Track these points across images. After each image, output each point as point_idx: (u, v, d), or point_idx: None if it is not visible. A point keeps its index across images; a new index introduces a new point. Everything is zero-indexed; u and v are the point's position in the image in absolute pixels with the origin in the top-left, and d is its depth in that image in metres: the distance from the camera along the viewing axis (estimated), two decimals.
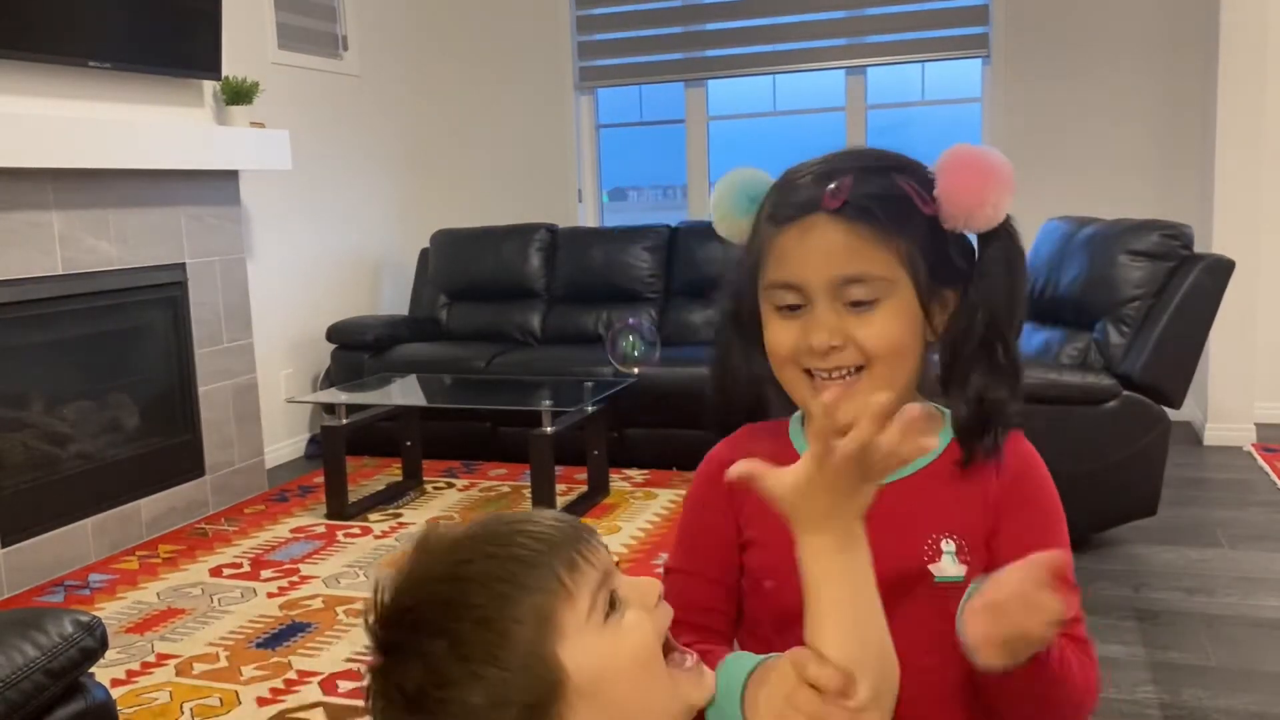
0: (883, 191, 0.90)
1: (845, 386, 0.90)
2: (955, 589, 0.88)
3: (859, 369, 0.90)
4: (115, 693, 2.38)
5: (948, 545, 0.92)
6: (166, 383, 3.82)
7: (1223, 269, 3.11)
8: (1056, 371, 3.12)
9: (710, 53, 5.28)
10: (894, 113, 5.24)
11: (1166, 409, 3.13)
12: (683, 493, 3.89)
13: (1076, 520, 3.54)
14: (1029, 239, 4.22)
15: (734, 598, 1.01)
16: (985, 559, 0.93)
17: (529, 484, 3.63)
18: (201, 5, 3.79)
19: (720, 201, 1.01)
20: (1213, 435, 4.34)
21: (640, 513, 3.68)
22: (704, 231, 4.87)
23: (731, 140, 5.52)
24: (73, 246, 3.36)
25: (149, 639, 2.78)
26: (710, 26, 5.26)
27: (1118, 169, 4.70)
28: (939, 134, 5.34)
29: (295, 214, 4.67)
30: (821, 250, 0.89)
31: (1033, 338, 3.51)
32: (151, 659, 2.65)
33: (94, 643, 1.60)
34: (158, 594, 3.12)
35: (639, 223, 5.03)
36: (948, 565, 0.92)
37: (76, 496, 3.42)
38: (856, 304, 0.89)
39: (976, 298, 0.93)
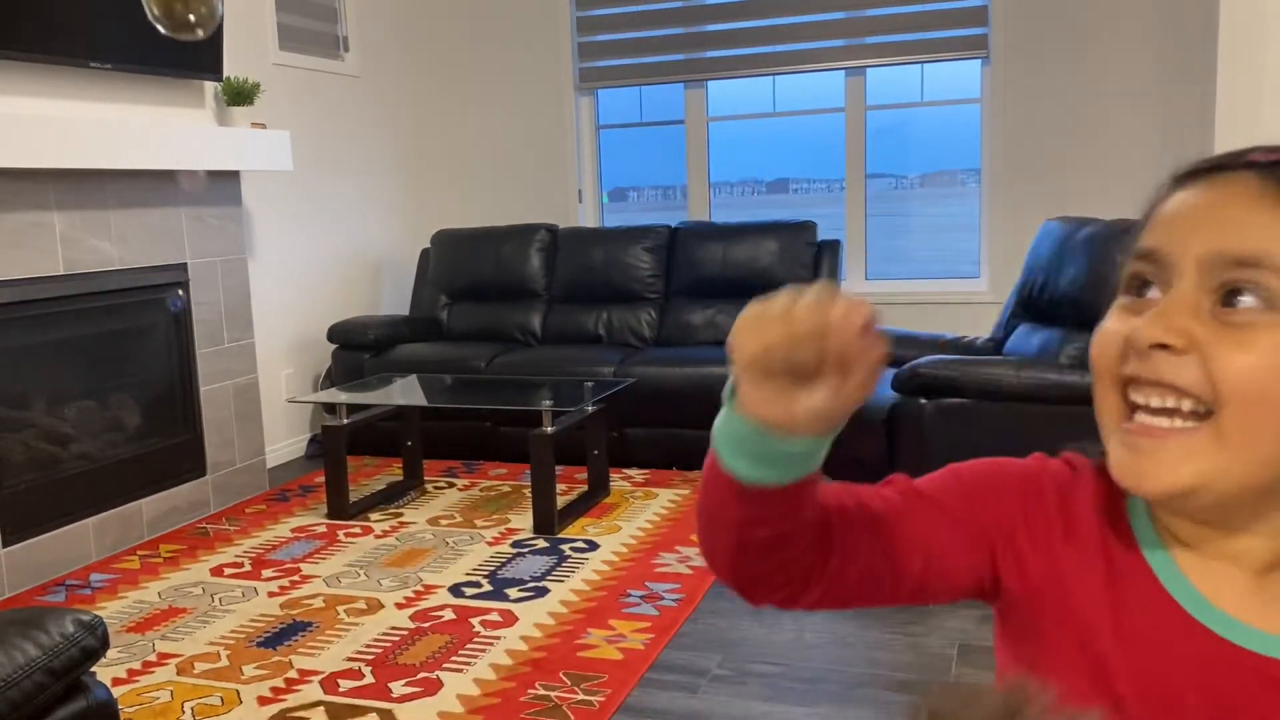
0: None
1: (1172, 437, 0.60)
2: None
3: (1198, 415, 0.60)
4: (116, 692, 2.38)
5: None
6: (168, 383, 3.82)
7: None
8: (1056, 371, 3.12)
9: (710, 54, 5.28)
10: (894, 113, 5.25)
11: None
12: (684, 492, 3.92)
13: None
14: (1028, 239, 4.26)
15: (911, 558, 0.73)
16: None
17: (529, 484, 3.64)
18: None
19: None
20: None
21: (640, 512, 3.68)
22: (704, 232, 4.88)
23: (731, 141, 5.53)
24: (74, 247, 3.36)
25: (150, 638, 2.79)
26: (710, 27, 5.27)
27: (1117, 169, 4.71)
28: (938, 135, 5.35)
29: (296, 214, 4.67)
30: (1215, 212, 0.61)
31: (1032, 338, 3.51)
32: (153, 658, 2.66)
33: (95, 642, 1.61)
34: (159, 593, 3.13)
35: (639, 223, 5.04)
36: None
37: (78, 496, 3.42)
38: (1235, 301, 0.59)
39: None
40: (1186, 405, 0.59)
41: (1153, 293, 0.62)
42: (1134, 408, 0.62)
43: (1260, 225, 0.59)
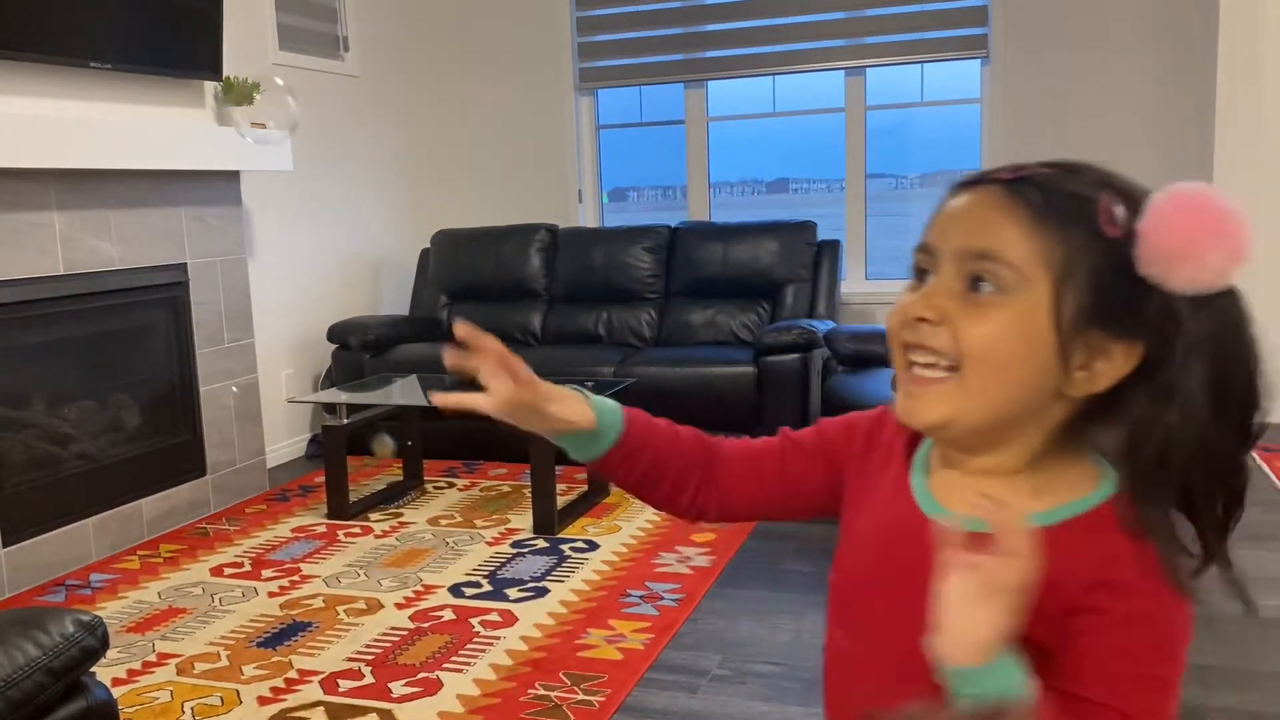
0: (1070, 188, 0.79)
1: (930, 385, 0.79)
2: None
3: (951, 370, 0.78)
4: (116, 692, 2.38)
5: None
6: (167, 383, 3.82)
7: None
8: None
9: (710, 54, 5.28)
10: (893, 113, 5.25)
11: None
12: None
13: None
14: None
15: (780, 481, 1.00)
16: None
17: (529, 484, 3.64)
18: (202, 6, 3.79)
19: None
20: None
21: (640, 512, 3.68)
22: (704, 232, 4.88)
23: (731, 141, 5.53)
24: (74, 247, 3.36)
25: (150, 638, 2.79)
26: (710, 27, 5.27)
27: (1117, 169, 4.70)
28: (938, 135, 5.35)
29: (296, 214, 4.67)
30: (965, 216, 0.79)
31: None
32: (153, 658, 2.66)
33: (95, 642, 1.61)
34: (159, 593, 3.13)
35: (639, 223, 5.04)
36: None
37: (78, 496, 3.42)
38: (978, 289, 0.77)
39: (1162, 384, 0.75)
40: (943, 362, 0.78)
41: (930, 279, 0.80)
42: (911, 365, 0.81)
43: (996, 227, 0.77)
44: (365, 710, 2.35)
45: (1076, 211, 0.77)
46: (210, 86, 4.03)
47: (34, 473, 3.31)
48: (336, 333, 4.70)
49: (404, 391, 4.16)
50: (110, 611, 2.98)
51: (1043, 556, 0.70)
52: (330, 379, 4.75)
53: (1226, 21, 4.19)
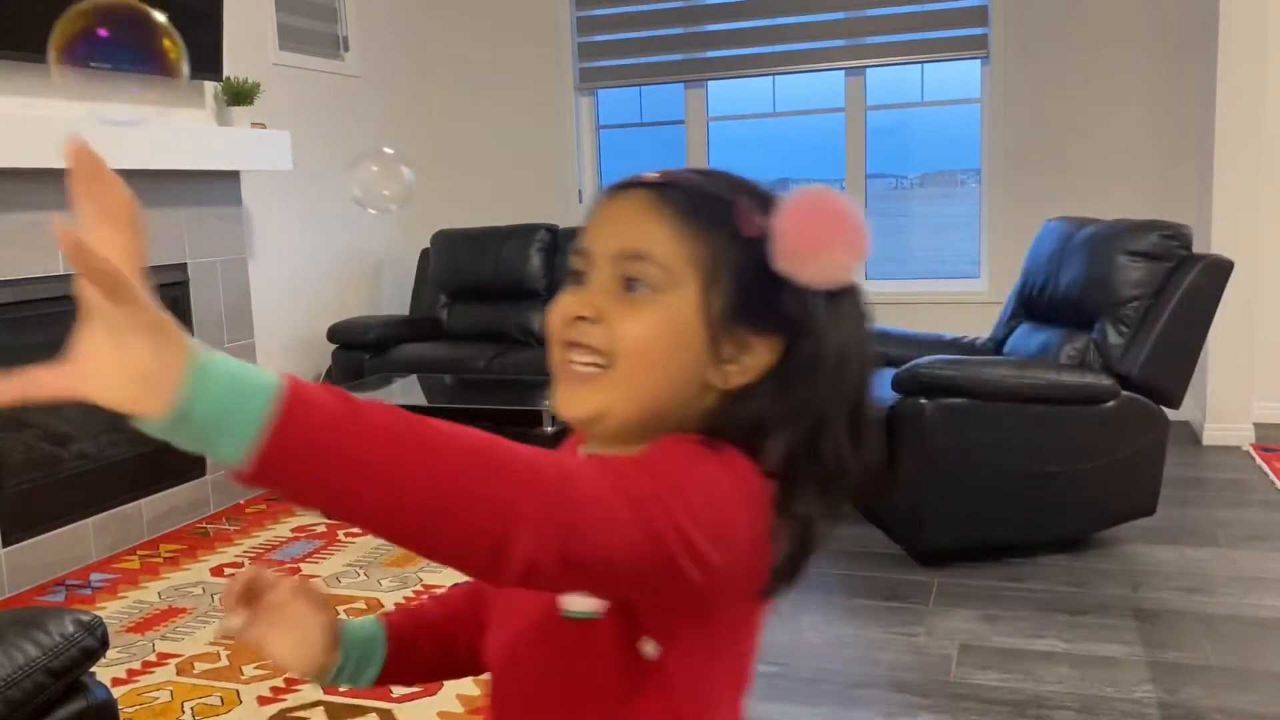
0: (711, 190, 0.83)
1: (585, 380, 0.80)
2: (580, 626, 0.78)
3: (608, 365, 0.80)
4: (116, 692, 2.38)
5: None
6: None
7: (1221, 269, 3.12)
8: (1055, 371, 3.13)
9: (710, 54, 5.28)
10: (893, 113, 5.25)
11: (1165, 409, 3.14)
12: None
13: (1076, 520, 3.55)
14: (1028, 238, 4.25)
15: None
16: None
17: None
18: (202, 6, 3.79)
19: None
20: (1211, 435, 4.34)
21: None
22: None
23: (731, 141, 5.53)
24: None
25: (150, 638, 2.79)
26: (710, 28, 5.27)
27: (1117, 169, 4.71)
28: (938, 135, 5.35)
29: (296, 214, 4.67)
30: (617, 219, 0.82)
31: (1032, 338, 3.51)
32: (153, 658, 2.66)
33: (95, 642, 1.61)
34: (159, 593, 3.13)
35: None
36: (582, 599, 0.78)
37: (78, 496, 3.42)
38: (632, 288, 0.80)
39: (797, 364, 0.80)
40: (600, 361, 0.80)
41: (588, 280, 0.82)
42: (568, 361, 0.82)
43: (646, 229, 0.80)
44: (365, 710, 2.35)
45: (719, 214, 0.80)
46: (210, 86, 4.04)
47: (34, 473, 3.31)
48: (336, 333, 4.70)
49: (404, 391, 4.16)
50: (110, 611, 2.98)
51: None
52: (330, 379, 4.75)
53: (1227, 21, 4.19)
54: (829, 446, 0.82)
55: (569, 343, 0.82)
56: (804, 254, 0.79)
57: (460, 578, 0.73)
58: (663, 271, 0.79)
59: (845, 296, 0.82)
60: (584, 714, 0.80)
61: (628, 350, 0.79)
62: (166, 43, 0.84)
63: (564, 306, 0.82)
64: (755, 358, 0.80)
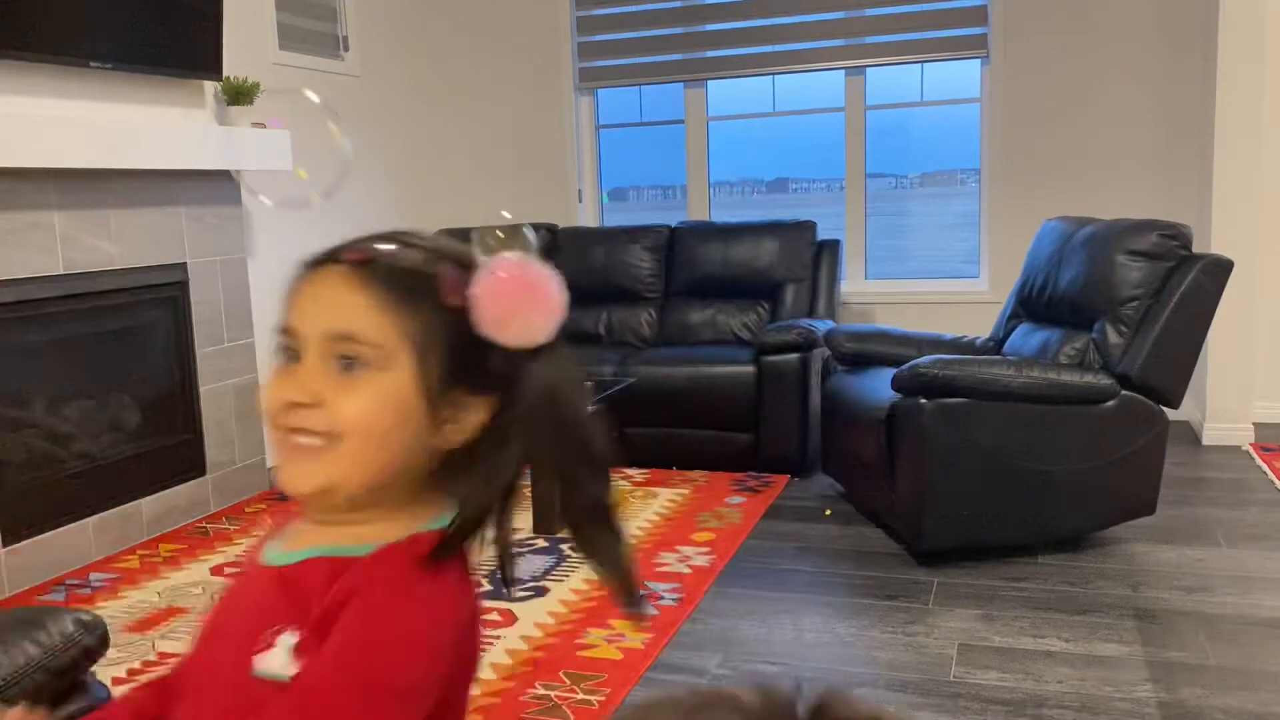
0: (411, 265, 0.85)
1: (310, 455, 0.84)
2: (270, 688, 0.80)
3: (332, 441, 0.83)
4: (116, 692, 2.38)
5: (290, 638, 0.82)
6: (168, 382, 3.82)
7: (1221, 269, 3.12)
8: (1055, 371, 3.13)
9: (710, 53, 5.28)
10: (893, 113, 5.25)
11: (1165, 409, 3.14)
12: (684, 492, 3.92)
13: (1076, 520, 3.55)
14: (1028, 238, 4.26)
15: None
16: None
17: (529, 483, 3.63)
18: (202, 6, 3.79)
19: None
20: (1211, 435, 4.34)
21: (640, 512, 3.69)
22: (704, 232, 4.88)
23: (731, 141, 5.53)
24: (74, 246, 3.36)
25: (150, 638, 2.79)
26: (710, 27, 5.27)
27: (1116, 169, 4.71)
28: (938, 135, 5.35)
29: (296, 214, 4.67)
30: (323, 299, 0.85)
31: (1032, 338, 3.51)
32: (153, 658, 2.66)
33: (95, 642, 1.61)
34: (159, 593, 3.13)
35: (639, 223, 5.03)
36: (276, 660, 0.81)
37: (78, 496, 3.42)
38: (347, 368, 0.83)
39: (508, 422, 0.86)
40: (322, 441, 0.83)
41: (298, 359, 0.85)
42: (289, 434, 0.84)
43: (353, 309, 0.83)
44: None
45: (421, 287, 0.84)
46: (210, 86, 4.04)
47: (34, 472, 3.31)
48: None
49: None
50: (110, 611, 2.98)
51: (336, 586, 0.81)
52: None
53: (1227, 20, 4.19)
54: (565, 479, 0.88)
55: (290, 428, 0.84)
56: (503, 320, 0.83)
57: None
58: (375, 350, 0.82)
59: (549, 350, 0.85)
60: None
61: (351, 430, 0.82)
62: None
63: (279, 392, 0.84)
64: (473, 415, 0.86)
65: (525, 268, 0.85)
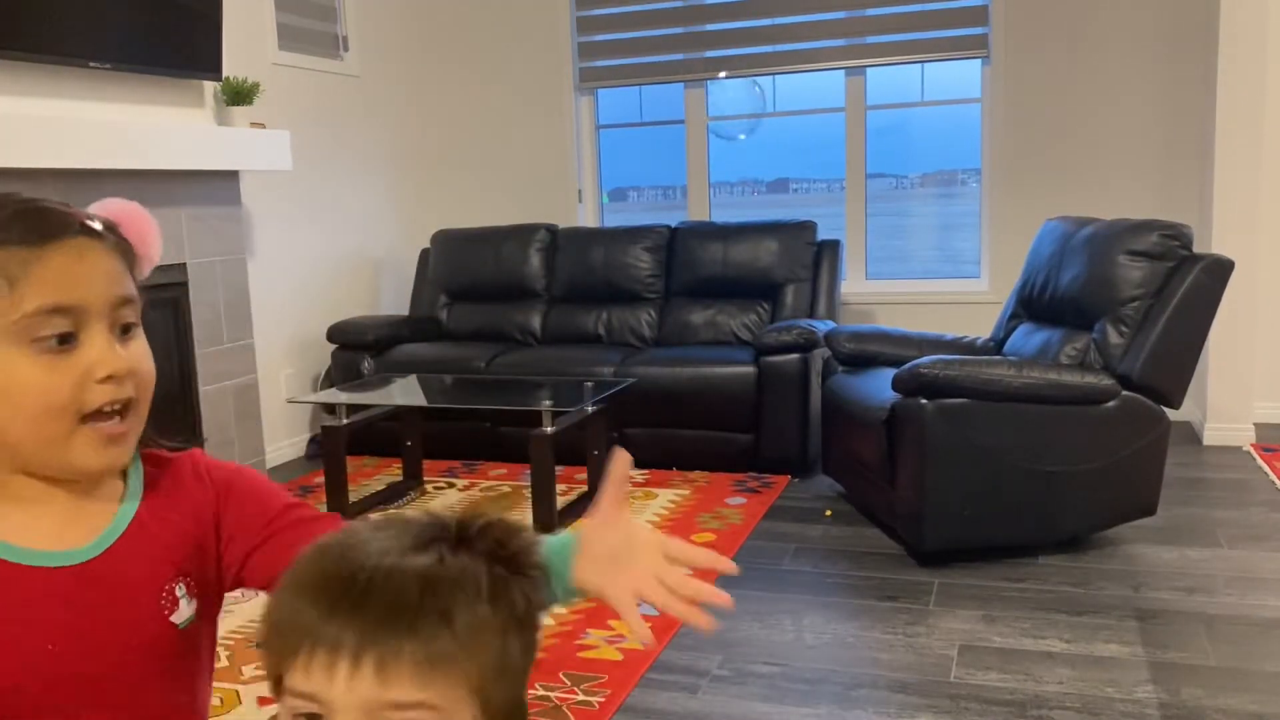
0: (114, 223, 0.92)
1: (127, 428, 0.87)
2: (195, 626, 0.92)
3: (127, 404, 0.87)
4: None
5: (180, 590, 0.91)
6: (167, 383, 3.82)
7: (1222, 269, 3.12)
8: (1055, 371, 3.12)
9: (710, 53, 5.28)
10: (894, 113, 5.25)
11: (1166, 409, 3.14)
12: (684, 492, 3.92)
13: (1076, 520, 3.55)
14: (1028, 238, 4.26)
15: None
16: (218, 571, 0.96)
17: (529, 484, 3.63)
18: (202, 6, 3.79)
19: None
20: (1212, 435, 4.34)
21: (640, 513, 3.68)
22: (704, 232, 4.88)
23: (731, 141, 5.53)
24: None
25: None
26: (710, 27, 5.26)
27: (1117, 169, 4.71)
28: (938, 135, 5.35)
29: (295, 214, 4.67)
30: (101, 271, 0.85)
31: (1032, 338, 3.51)
32: None
33: None
34: None
35: (639, 223, 5.03)
36: (185, 609, 0.91)
37: None
38: (125, 331, 0.87)
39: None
40: (126, 401, 0.87)
41: (70, 339, 0.82)
42: (94, 418, 0.84)
43: (122, 273, 0.87)
44: None
45: (127, 243, 0.94)
46: (210, 86, 4.03)
47: None
48: (336, 333, 4.70)
49: (404, 391, 4.16)
50: None
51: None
52: (330, 379, 4.75)
53: (1227, 20, 4.19)
54: None
55: (104, 405, 0.86)
56: (153, 258, 0.97)
57: None
58: (137, 304, 0.90)
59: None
60: (192, 695, 0.94)
61: (149, 384, 0.91)
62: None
63: (89, 374, 0.84)
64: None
65: (137, 206, 0.97)
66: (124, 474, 0.93)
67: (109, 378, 0.84)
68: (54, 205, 0.85)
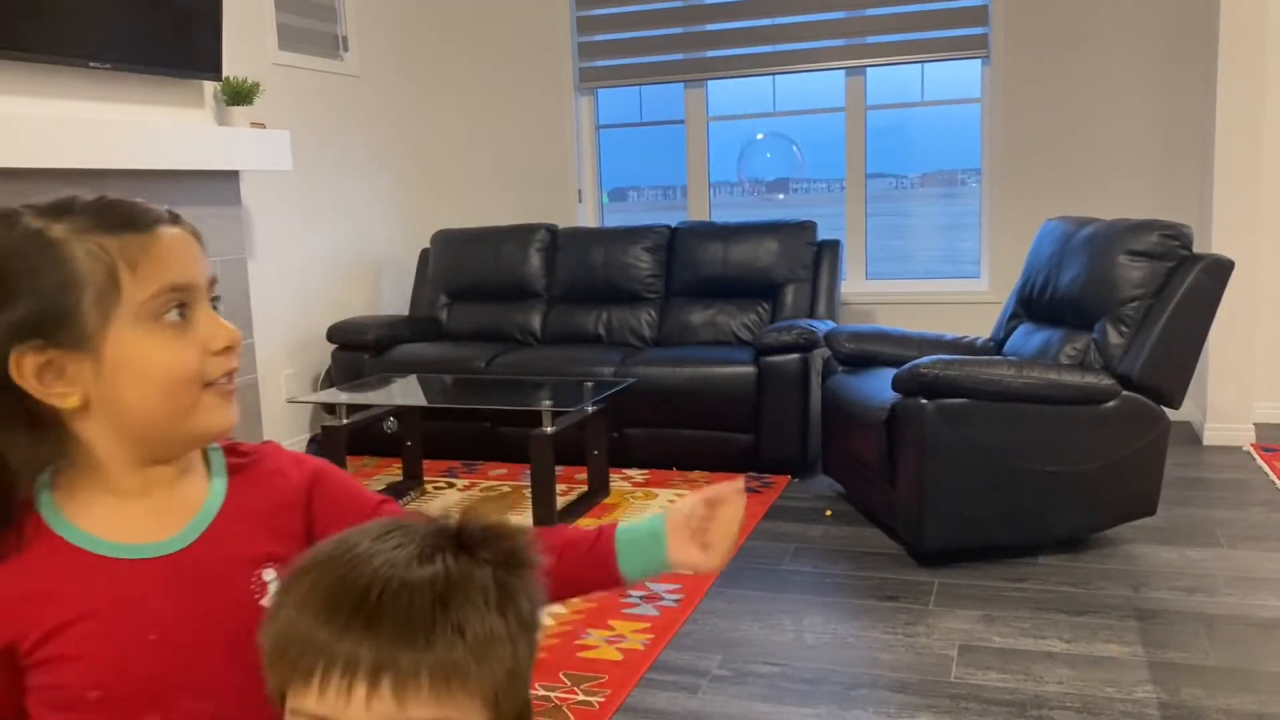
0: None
1: (235, 388, 0.93)
2: None
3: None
4: None
5: (269, 574, 0.93)
6: None
7: (1222, 269, 3.12)
8: (1055, 371, 3.12)
9: (710, 53, 5.28)
10: (894, 113, 5.25)
11: (1166, 409, 3.14)
12: (684, 492, 3.91)
13: (1076, 520, 3.55)
14: (1028, 238, 4.26)
15: None
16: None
17: (529, 484, 3.64)
18: (202, 6, 3.79)
19: None
20: (1212, 435, 4.34)
21: (640, 513, 3.68)
22: (704, 232, 4.88)
23: (732, 141, 5.53)
24: None
25: None
26: (710, 27, 5.26)
27: (1117, 169, 4.71)
28: (938, 135, 5.35)
29: (295, 214, 4.67)
30: (195, 252, 0.92)
31: (1032, 338, 3.51)
32: None
33: None
34: None
35: (639, 223, 5.03)
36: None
37: None
38: (213, 306, 0.93)
39: None
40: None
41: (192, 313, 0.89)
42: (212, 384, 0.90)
43: (203, 254, 0.93)
44: None
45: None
46: (210, 86, 4.04)
47: None
48: (336, 333, 4.70)
49: (404, 391, 4.16)
50: None
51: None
52: (330, 379, 4.75)
53: (1227, 20, 4.19)
54: None
55: (224, 372, 0.91)
56: None
57: None
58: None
59: None
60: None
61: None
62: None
63: (209, 346, 0.90)
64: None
65: None
66: (206, 464, 0.96)
67: (227, 349, 0.90)
68: (128, 200, 0.90)
